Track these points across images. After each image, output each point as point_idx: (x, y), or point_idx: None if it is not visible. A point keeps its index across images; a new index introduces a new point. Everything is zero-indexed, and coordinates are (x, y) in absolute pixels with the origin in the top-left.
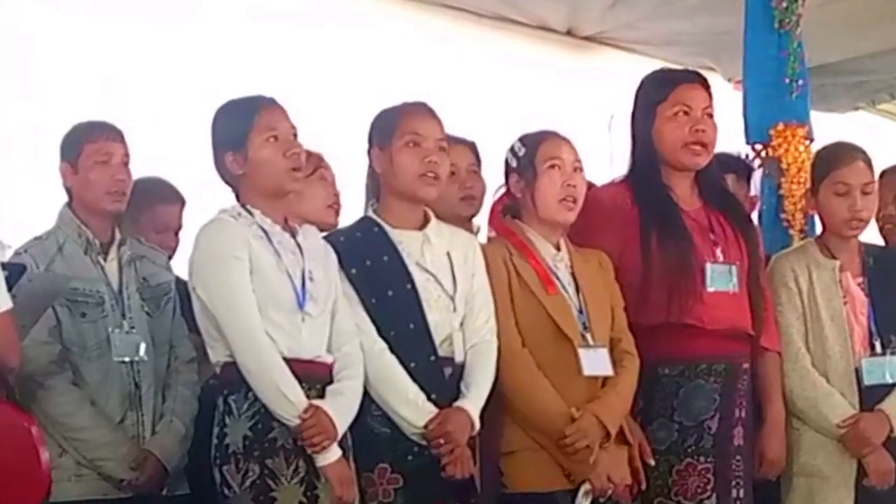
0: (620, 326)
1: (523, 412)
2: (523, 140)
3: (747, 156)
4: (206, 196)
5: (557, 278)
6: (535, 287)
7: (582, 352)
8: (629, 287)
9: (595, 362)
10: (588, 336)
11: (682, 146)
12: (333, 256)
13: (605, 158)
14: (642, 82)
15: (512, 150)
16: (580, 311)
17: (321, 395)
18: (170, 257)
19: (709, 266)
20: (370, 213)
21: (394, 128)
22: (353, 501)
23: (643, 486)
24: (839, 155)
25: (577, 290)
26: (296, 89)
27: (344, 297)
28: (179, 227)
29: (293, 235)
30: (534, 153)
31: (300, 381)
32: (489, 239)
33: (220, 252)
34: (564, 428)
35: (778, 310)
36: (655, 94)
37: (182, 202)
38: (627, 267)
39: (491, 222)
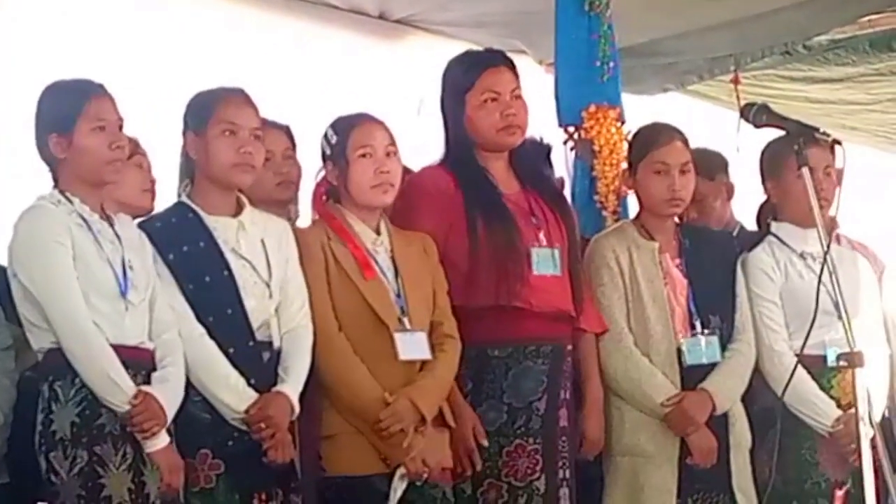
0: (442, 310)
1: (340, 396)
2: (335, 126)
3: (542, 138)
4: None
5: (376, 263)
6: (352, 272)
7: (398, 336)
8: (455, 270)
9: (412, 347)
10: (406, 320)
11: (495, 132)
12: (148, 245)
13: (416, 142)
14: (448, 67)
15: (325, 137)
16: (398, 296)
17: (147, 382)
18: None
19: (534, 251)
20: (184, 199)
21: (209, 114)
22: (179, 488)
23: (478, 467)
24: (657, 135)
25: (397, 274)
26: (111, 74)
27: (161, 284)
28: None
29: (111, 224)
30: (345, 142)
31: (126, 368)
32: (312, 222)
33: (42, 238)
34: (379, 412)
35: (600, 290)
36: (462, 80)
37: None
38: (453, 250)
39: (314, 206)
